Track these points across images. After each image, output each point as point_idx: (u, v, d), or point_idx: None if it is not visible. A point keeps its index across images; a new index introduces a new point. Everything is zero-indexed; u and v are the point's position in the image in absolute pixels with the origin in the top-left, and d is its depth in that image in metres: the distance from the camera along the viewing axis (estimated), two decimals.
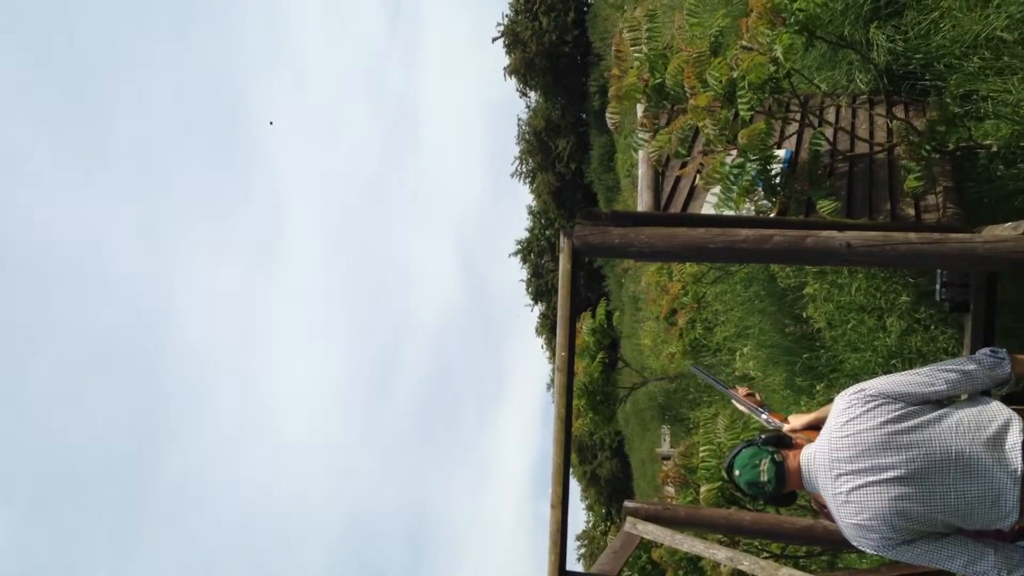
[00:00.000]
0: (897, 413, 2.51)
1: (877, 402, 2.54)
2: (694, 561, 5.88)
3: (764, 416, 3.16)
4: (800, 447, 2.75)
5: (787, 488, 2.72)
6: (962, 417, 2.49)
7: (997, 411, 2.50)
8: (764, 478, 2.68)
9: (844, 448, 2.55)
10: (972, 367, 2.61)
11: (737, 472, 2.76)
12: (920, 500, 2.45)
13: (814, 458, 2.65)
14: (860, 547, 2.63)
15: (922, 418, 2.50)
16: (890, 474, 2.46)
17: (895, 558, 2.61)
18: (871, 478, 2.49)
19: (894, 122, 4.66)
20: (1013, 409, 2.52)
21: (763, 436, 2.81)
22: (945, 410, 2.53)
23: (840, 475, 2.55)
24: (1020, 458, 2.39)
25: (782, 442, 2.79)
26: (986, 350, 2.68)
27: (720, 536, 4.60)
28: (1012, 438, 2.42)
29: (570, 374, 3.07)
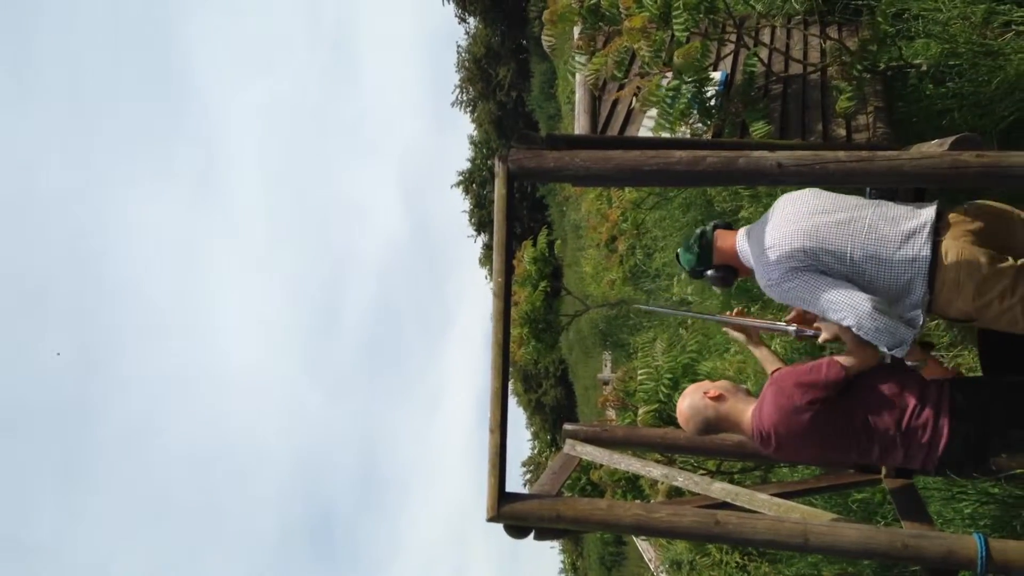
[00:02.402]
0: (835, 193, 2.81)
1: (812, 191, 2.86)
2: (633, 480, 6.03)
3: (792, 328, 3.14)
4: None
5: (719, 261, 3.07)
6: (889, 206, 2.76)
7: (921, 207, 2.75)
8: (690, 249, 3.08)
9: (780, 208, 2.87)
10: None
11: (679, 252, 3.16)
12: (832, 226, 2.72)
13: (751, 228, 2.97)
14: (768, 289, 2.87)
15: (857, 199, 2.80)
16: (813, 209, 2.77)
17: (790, 291, 2.79)
18: (798, 211, 2.80)
19: (827, 42, 4.67)
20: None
21: (713, 222, 3.14)
22: (875, 201, 2.80)
23: (766, 223, 2.85)
24: (932, 216, 2.66)
25: (726, 224, 3.12)
26: None
27: (657, 455, 4.71)
28: (928, 210, 2.69)
29: (507, 299, 3.05)
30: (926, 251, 2.62)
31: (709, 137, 4.20)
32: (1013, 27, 4.07)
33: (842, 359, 2.71)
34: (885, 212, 2.72)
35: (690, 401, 2.94)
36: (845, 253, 2.69)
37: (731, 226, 3.15)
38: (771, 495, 3.14)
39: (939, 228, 2.64)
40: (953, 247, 2.63)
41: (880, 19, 4.32)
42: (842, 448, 2.78)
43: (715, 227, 3.12)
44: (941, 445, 2.64)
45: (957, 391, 2.67)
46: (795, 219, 2.78)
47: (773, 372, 2.97)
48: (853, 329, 2.66)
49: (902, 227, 2.67)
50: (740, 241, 3.01)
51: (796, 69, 4.76)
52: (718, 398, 2.90)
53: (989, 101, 4.07)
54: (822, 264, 2.72)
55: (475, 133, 39.38)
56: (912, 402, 2.66)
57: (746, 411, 2.88)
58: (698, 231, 3.12)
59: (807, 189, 2.87)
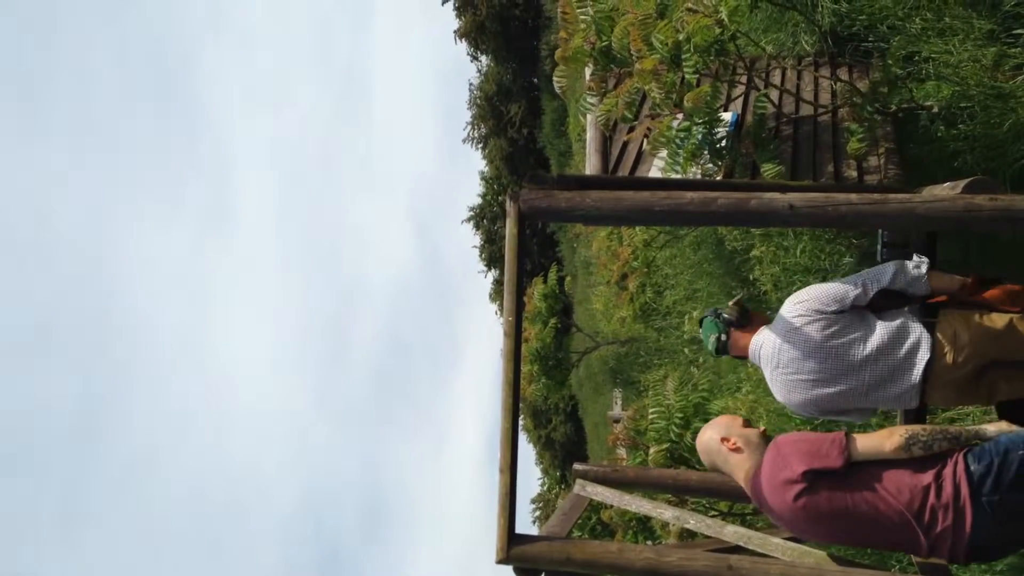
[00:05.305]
0: (832, 329, 2.94)
1: (814, 317, 2.97)
2: (644, 521, 5.96)
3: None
4: (757, 328, 3.19)
5: (735, 355, 3.29)
6: (883, 335, 2.93)
7: (911, 329, 2.93)
8: (709, 347, 3.30)
9: (784, 342, 3.03)
10: (891, 271, 3.02)
11: (700, 333, 3.38)
12: (834, 397, 3.02)
13: (762, 346, 3.12)
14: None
15: (851, 336, 2.94)
16: (814, 376, 3.00)
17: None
18: (801, 377, 3.03)
19: (838, 84, 4.70)
20: (926, 322, 2.95)
21: (726, 315, 3.24)
22: (869, 328, 2.96)
23: (777, 367, 3.08)
24: (922, 370, 2.87)
25: (740, 320, 3.22)
26: (910, 262, 3.09)
27: (669, 496, 4.67)
28: (921, 354, 2.88)
29: (518, 339, 3.05)
30: (915, 402, 2.99)
31: (720, 178, 4.21)
32: None
33: (858, 438, 2.60)
34: (880, 372, 2.93)
35: (710, 436, 2.89)
36: (850, 402, 3.06)
37: (744, 316, 3.23)
38: (784, 539, 3.10)
39: (927, 379, 2.89)
40: (938, 394, 2.98)
41: (891, 61, 4.34)
42: (843, 533, 2.66)
43: (728, 326, 3.24)
44: (967, 525, 2.44)
45: (972, 460, 2.49)
46: (801, 389, 3.06)
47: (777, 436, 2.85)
48: None
49: (897, 387, 2.94)
50: (752, 353, 3.19)
51: (807, 110, 4.78)
52: (736, 449, 2.80)
53: (1001, 144, 4.07)
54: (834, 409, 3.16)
55: (486, 169, 39.57)
56: (928, 479, 2.50)
57: (747, 469, 2.79)
58: (713, 338, 3.25)
59: (811, 328, 2.98)
